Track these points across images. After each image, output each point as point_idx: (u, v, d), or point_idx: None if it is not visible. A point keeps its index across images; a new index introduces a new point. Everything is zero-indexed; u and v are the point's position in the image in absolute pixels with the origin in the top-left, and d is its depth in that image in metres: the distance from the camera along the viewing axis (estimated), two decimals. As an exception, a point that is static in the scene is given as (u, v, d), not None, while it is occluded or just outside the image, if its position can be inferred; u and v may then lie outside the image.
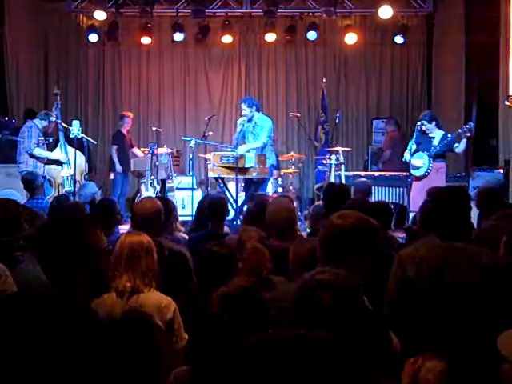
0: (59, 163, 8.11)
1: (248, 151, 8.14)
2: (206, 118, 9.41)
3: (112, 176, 10.16)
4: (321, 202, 5.37)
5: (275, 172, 9.59)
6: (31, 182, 6.75)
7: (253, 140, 8.49)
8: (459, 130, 7.44)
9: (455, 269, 2.98)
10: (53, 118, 8.20)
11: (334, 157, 9.18)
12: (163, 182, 9.25)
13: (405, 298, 3.03)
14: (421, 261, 3.07)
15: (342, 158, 9.23)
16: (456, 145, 7.48)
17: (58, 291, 2.12)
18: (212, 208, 4.90)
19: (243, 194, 8.55)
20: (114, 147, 10.06)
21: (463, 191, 3.37)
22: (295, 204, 9.02)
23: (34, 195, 6.60)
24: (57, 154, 8.14)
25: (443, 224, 3.17)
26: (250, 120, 8.45)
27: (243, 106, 8.45)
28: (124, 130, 10.17)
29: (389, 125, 10.79)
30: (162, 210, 4.07)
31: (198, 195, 9.00)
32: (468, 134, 7.39)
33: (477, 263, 3.01)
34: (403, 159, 7.89)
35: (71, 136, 7.96)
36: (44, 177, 7.75)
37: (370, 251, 2.85)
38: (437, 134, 7.60)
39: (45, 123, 8.15)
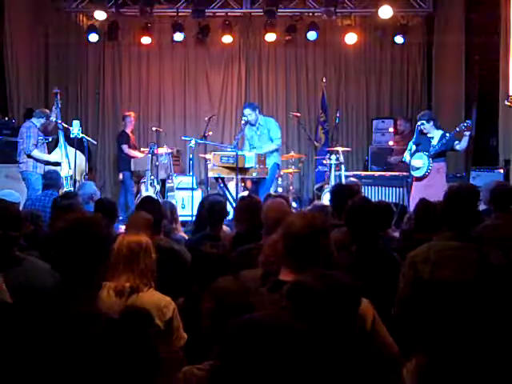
0: (57, 164, 8.10)
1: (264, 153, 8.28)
2: (206, 118, 9.41)
3: (121, 176, 10.10)
4: (320, 201, 5.37)
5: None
6: (55, 180, 6.73)
7: (258, 142, 8.55)
8: (457, 129, 7.44)
9: (467, 270, 3.01)
10: (53, 118, 8.19)
11: (334, 157, 9.18)
12: (163, 182, 9.25)
13: (417, 298, 3.04)
14: (435, 262, 3.10)
15: (341, 158, 9.23)
16: (456, 142, 7.48)
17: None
18: (210, 211, 4.89)
19: (243, 193, 8.54)
20: (125, 146, 10.01)
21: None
22: (294, 204, 9.08)
23: (49, 189, 6.58)
24: (54, 157, 8.11)
25: (463, 223, 3.21)
26: (253, 124, 8.54)
27: (247, 111, 8.50)
28: (128, 130, 10.17)
29: (404, 124, 10.65)
30: (163, 212, 4.09)
31: (198, 195, 9.00)
32: (467, 133, 7.38)
33: (488, 264, 3.05)
34: (403, 159, 7.89)
35: (71, 136, 7.96)
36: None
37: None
38: (435, 134, 7.60)
39: (42, 121, 8.14)
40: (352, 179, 7.11)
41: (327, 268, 2.62)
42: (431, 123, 7.60)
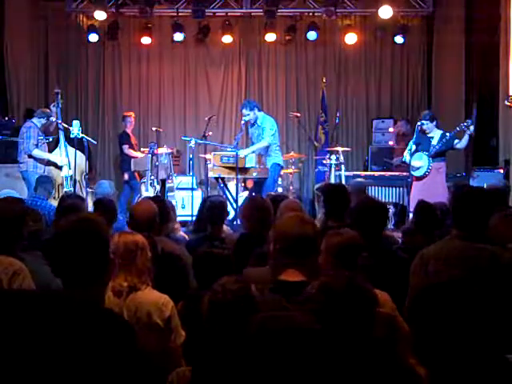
0: (58, 165, 8.09)
1: (253, 152, 8.13)
2: (206, 118, 9.41)
3: (126, 176, 10.12)
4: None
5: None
6: (43, 183, 6.69)
7: (256, 141, 8.50)
8: (457, 128, 7.44)
9: (476, 269, 3.02)
10: (53, 118, 8.19)
11: (334, 157, 9.18)
12: (163, 182, 9.24)
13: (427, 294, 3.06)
14: (446, 259, 3.12)
15: (342, 158, 9.23)
16: (456, 141, 7.48)
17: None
18: (211, 212, 4.89)
19: (243, 193, 8.55)
20: (126, 147, 10.07)
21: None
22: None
23: (36, 193, 6.55)
24: (55, 157, 8.09)
25: (473, 224, 3.22)
26: (253, 123, 8.48)
27: (244, 112, 8.42)
28: (128, 130, 10.21)
29: (405, 125, 10.62)
30: (158, 212, 4.06)
31: (198, 195, 9.00)
32: (469, 132, 7.38)
33: (497, 263, 3.06)
34: (403, 159, 7.89)
35: (71, 136, 7.94)
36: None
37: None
38: (435, 134, 7.61)
39: (43, 121, 8.13)
40: (359, 179, 7.10)
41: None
42: (434, 123, 7.62)
